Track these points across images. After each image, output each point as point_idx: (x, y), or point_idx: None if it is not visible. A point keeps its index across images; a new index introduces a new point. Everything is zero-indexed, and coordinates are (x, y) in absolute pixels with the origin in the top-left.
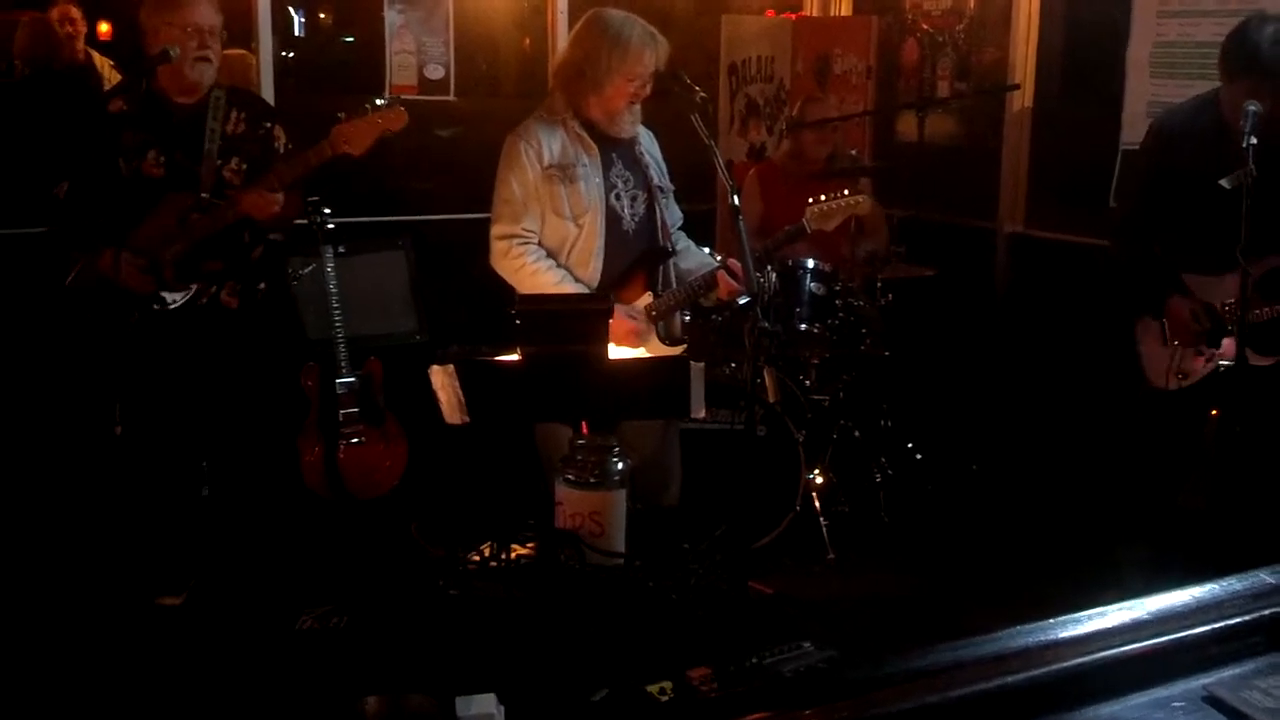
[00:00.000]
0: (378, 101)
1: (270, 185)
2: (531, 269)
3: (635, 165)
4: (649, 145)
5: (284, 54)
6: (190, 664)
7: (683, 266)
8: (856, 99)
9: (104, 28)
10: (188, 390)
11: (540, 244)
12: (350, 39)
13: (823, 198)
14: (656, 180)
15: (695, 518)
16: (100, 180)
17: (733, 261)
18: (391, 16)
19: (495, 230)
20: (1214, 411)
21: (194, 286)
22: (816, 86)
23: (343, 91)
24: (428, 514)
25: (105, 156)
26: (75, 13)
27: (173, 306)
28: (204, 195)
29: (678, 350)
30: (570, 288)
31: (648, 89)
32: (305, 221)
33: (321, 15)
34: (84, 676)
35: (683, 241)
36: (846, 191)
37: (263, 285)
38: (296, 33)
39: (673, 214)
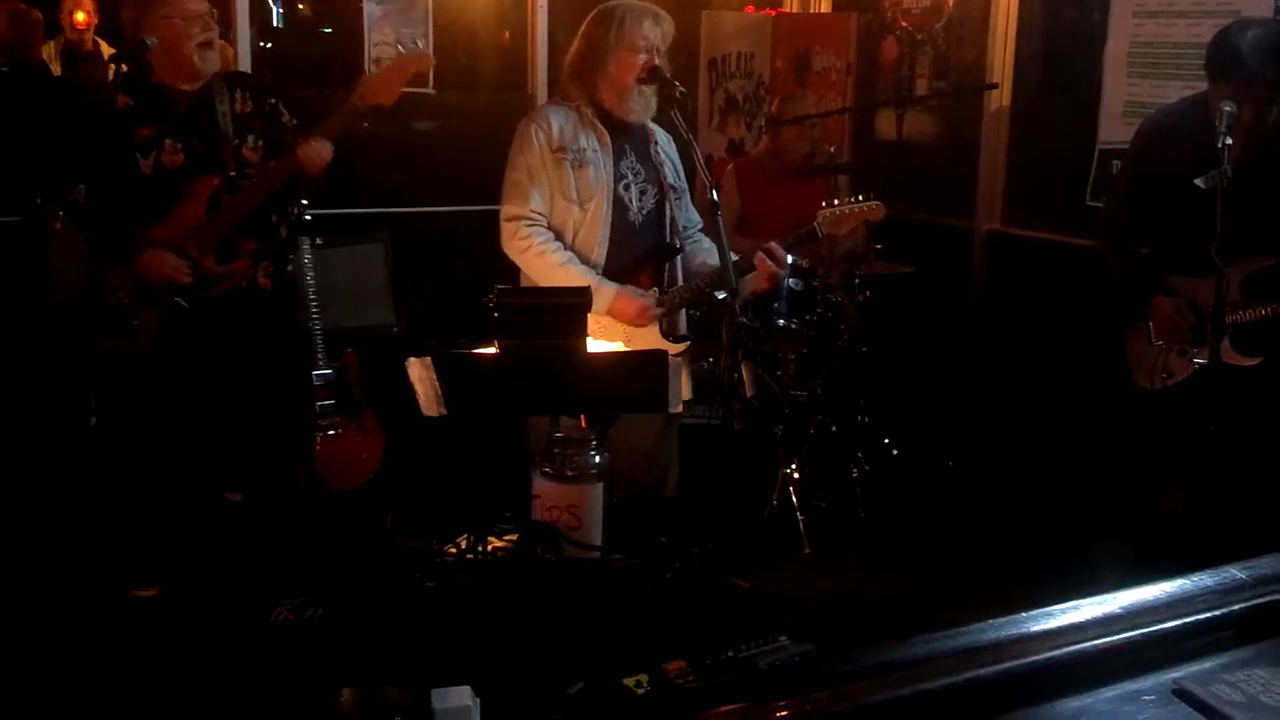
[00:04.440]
0: (405, 47)
1: (327, 134)
2: (538, 250)
3: (648, 160)
4: (666, 145)
5: (262, 45)
6: (165, 656)
7: (710, 263)
8: (835, 96)
9: (81, 17)
10: (223, 380)
11: (549, 226)
12: (329, 30)
13: (836, 201)
14: (671, 180)
15: (673, 511)
16: (118, 180)
17: (772, 245)
18: (370, 8)
19: (504, 211)
20: (1211, 427)
21: (239, 261)
22: (796, 83)
23: (321, 83)
24: (404, 506)
25: (119, 155)
26: (86, 4)
27: (219, 272)
28: (232, 174)
29: (680, 348)
30: (578, 271)
31: (657, 63)
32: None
33: (300, 6)
34: (58, 668)
35: (705, 242)
36: (860, 197)
37: (290, 265)
38: (275, 24)
39: (688, 216)
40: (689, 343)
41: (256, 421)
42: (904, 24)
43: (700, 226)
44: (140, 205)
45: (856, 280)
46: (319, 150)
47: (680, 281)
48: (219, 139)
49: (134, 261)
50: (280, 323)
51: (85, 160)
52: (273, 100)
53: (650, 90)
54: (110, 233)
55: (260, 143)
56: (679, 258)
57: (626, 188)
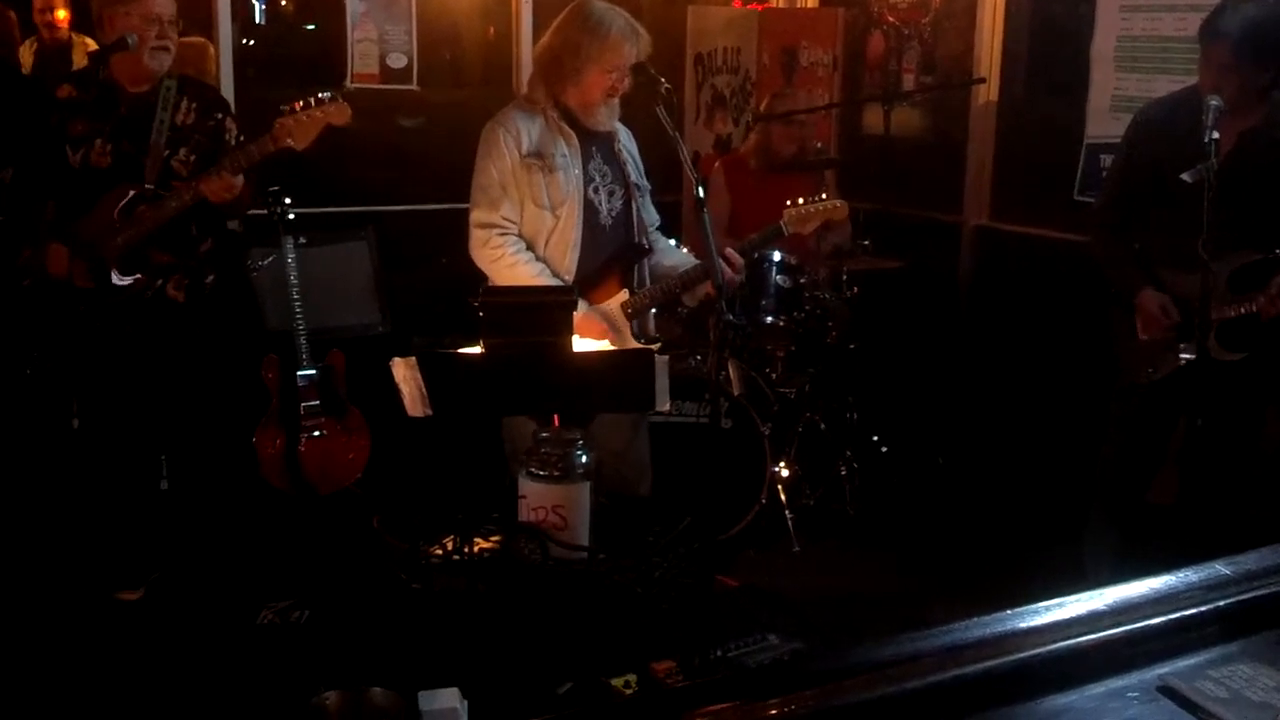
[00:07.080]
0: (322, 95)
1: (232, 170)
2: (510, 260)
3: (614, 161)
4: (628, 143)
5: (244, 42)
6: (150, 659)
7: (665, 264)
8: (822, 91)
9: (61, 15)
10: (141, 383)
11: (520, 234)
12: (312, 27)
13: (800, 200)
14: (634, 178)
15: (660, 510)
16: (46, 167)
17: (730, 251)
18: (353, 4)
19: (474, 217)
20: (1198, 422)
21: (138, 276)
22: (783, 78)
23: (304, 80)
24: (390, 507)
25: (51, 143)
26: (60, 1)
27: (120, 283)
28: (149, 186)
29: (652, 349)
30: (547, 281)
31: (626, 82)
32: (265, 211)
33: (283, 3)
34: (42, 671)
35: (661, 241)
36: (824, 195)
37: (210, 278)
38: (257, 20)
39: (649, 214)
40: (659, 343)
41: (186, 426)
42: (891, 19)
43: (658, 225)
44: (62, 197)
45: (844, 277)
46: (225, 183)
47: (649, 281)
48: (147, 148)
49: (41, 250)
50: (195, 334)
51: (17, 144)
52: (219, 116)
53: (616, 100)
54: (26, 215)
55: (192, 157)
56: (646, 258)
57: (596, 190)
